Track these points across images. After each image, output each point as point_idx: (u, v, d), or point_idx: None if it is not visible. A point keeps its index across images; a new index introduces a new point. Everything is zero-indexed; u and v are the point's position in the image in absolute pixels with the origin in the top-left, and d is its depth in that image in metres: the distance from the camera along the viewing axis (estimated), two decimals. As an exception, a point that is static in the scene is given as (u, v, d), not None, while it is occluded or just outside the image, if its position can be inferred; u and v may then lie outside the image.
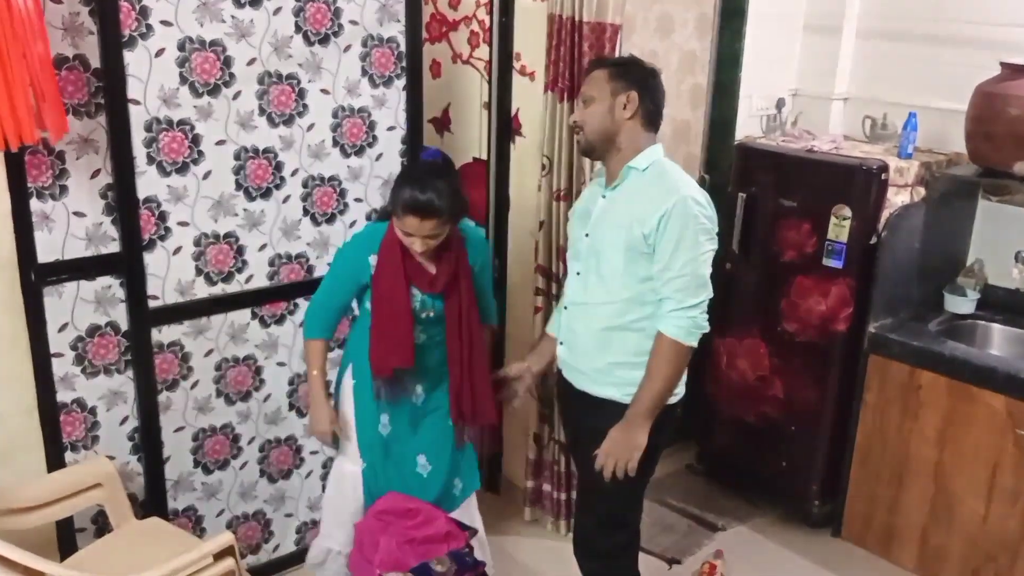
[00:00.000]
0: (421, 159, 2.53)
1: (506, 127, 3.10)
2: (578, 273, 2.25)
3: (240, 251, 2.51)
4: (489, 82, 3.11)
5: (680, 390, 2.25)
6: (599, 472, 2.17)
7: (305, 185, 2.58)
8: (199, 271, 2.45)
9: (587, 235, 2.21)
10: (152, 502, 2.51)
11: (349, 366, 2.48)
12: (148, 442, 2.46)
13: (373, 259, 2.33)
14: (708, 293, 2.12)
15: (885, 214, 2.93)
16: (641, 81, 2.14)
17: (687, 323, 2.09)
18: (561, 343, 2.31)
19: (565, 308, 2.30)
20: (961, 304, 3.12)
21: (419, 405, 2.46)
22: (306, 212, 2.60)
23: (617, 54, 2.69)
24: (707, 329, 2.14)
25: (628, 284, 2.13)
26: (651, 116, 2.16)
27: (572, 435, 2.46)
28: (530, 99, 2.98)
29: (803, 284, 3.07)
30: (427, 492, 2.45)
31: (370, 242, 2.35)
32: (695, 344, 2.13)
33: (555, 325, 2.42)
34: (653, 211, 2.06)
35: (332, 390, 2.51)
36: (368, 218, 2.71)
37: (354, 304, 2.49)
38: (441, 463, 2.48)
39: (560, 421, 2.89)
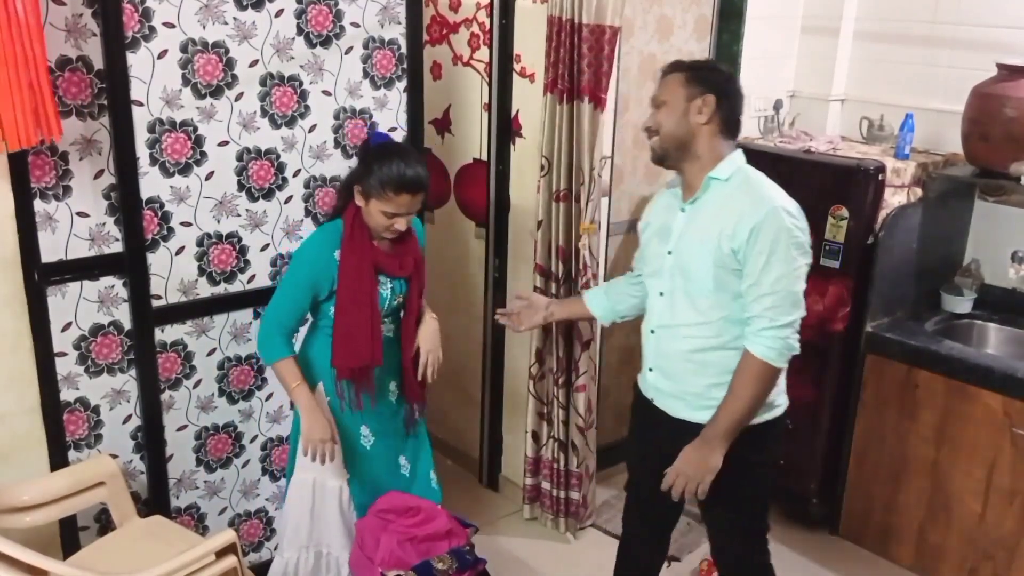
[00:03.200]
0: (381, 141, 2.39)
1: (506, 128, 3.12)
2: (661, 294, 2.12)
3: (242, 251, 2.53)
4: (489, 84, 3.13)
5: (782, 400, 2.14)
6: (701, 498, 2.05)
7: (307, 186, 2.59)
8: (202, 271, 2.46)
9: (670, 252, 2.09)
10: (155, 500, 2.52)
11: (319, 384, 2.38)
12: (151, 441, 2.47)
13: (338, 254, 2.26)
14: (801, 312, 1.99)
15: (882, 214, 2.94)
16: (719, 85, 2.03)
17: (779, 344, 1.96)
18: (651, 369, 2.20)
19: (652, 332, 2.18)
20: (958, 304, 3.14)
21: (394, 403, 2.47)
22: (308, 212, 2.61)
23: (616, 57, 2.71)
24: (798, 351, 2.01)
25: (721, 303, 2.01)
26: (729, 123, 2.05)
27: (660, 463, 2.16)
28: (530, 100, 3.00)
29: (801, 284, 3.08)
30: (411, 491, 2.47)
31: (331, 240, 2.27)
32: (785, 365, 2.02)
33: (594, 300, 2.47)
34: (742, 224, 1.94)
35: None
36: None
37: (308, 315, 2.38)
38: (420, 460, 2.53)
39: (635, 444, 2.42)
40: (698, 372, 2.09)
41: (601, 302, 2.47)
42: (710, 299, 2.02)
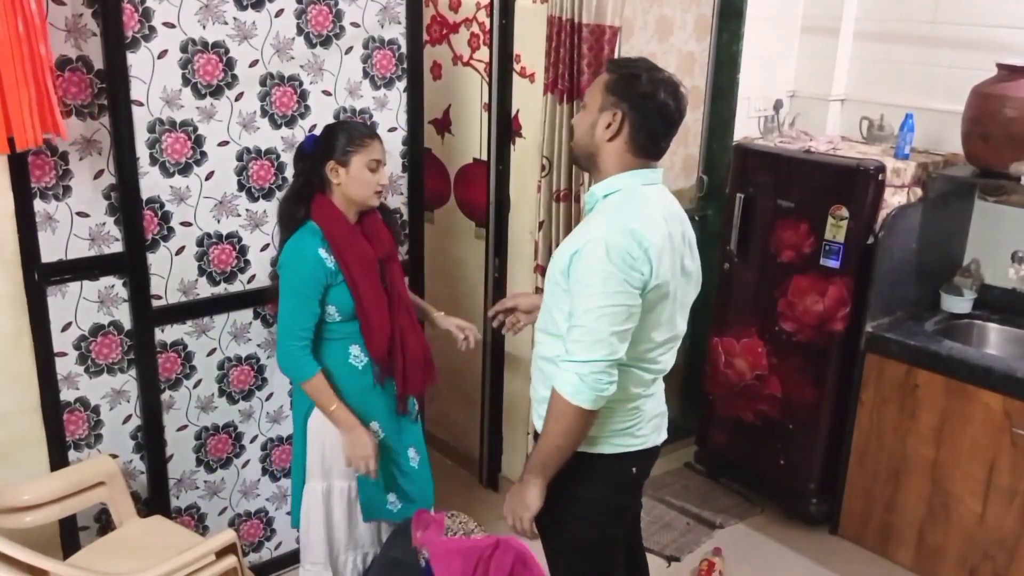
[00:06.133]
0: (316, 135, 2.32)
1: (506, 128, 3.12)
2: None
3: (242, 251, 2.53)
4: (489, 84, 3.13)
5: (639, 441, 1.96)
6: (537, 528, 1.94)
7: (307, 186, 2.59)
8: (202, 271, 2.46)
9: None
10: (155, 500, 2.52)
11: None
12: (151, 441, 2.48)
13: (324, 253, 2.21)
14: (606, 353, 1.75)
15: (882, 214, 2.94)
16: (633, 100, 1.81)
17: (574, 380, 1.76)
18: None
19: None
20: (958, 304, 3.14)
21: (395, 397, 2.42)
22: (307, 212, 2.61)
23: (617, 56, 2.70)
24: (603, 393, 1.77)
25: (555, 319, 1.89)
26: (641, 144, 1.84)
27: None
28: (530, 100, 3.00)
29: (801, 284, 3.09)
30: (420, 481, 2.48)
31: (312, 241, 2.21)
32: (586, 406, 1.77)
33: None
34: (570, 247, 1.81)
35: (303, 422, 2.37)
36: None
37: None
38: (424, 451, 2.52)
39: None
40: (540, 380, 1.97)
41: None
42: (551, 312, 1.91)
